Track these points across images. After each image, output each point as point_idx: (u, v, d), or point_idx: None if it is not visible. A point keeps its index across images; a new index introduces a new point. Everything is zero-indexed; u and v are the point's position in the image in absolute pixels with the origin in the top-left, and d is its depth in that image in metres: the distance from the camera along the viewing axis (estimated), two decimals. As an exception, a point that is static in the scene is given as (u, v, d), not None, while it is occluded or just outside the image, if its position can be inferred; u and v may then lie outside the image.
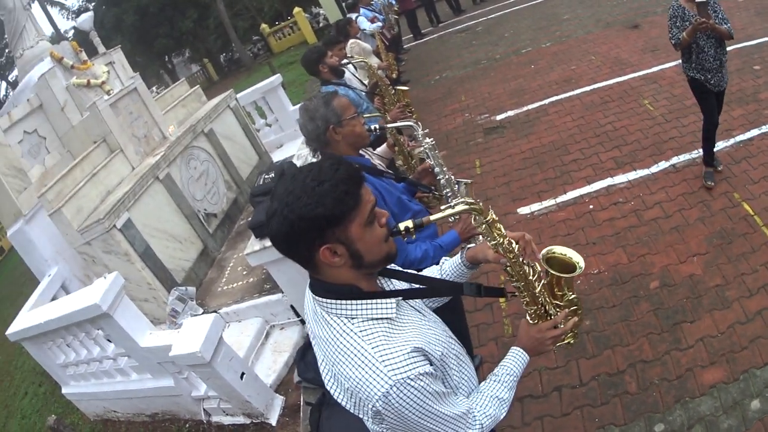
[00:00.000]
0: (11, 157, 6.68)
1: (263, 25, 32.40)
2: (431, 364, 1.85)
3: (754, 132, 6.37)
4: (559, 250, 2.25)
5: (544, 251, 2.25)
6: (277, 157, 9.73)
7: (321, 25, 28.95)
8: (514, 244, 2.13)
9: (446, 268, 2.46)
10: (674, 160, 6.39)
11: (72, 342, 5.69)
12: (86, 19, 9.00)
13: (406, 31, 17.70)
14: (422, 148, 3.59)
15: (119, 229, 5.96)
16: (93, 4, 37.91)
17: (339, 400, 1.85)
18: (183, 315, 6.07)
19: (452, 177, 3.45)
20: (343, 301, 1.82)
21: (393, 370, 1.72)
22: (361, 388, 1.73)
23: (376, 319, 1.83)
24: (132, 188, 6.33)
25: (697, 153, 6.27)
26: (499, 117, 9.30)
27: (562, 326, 2.23)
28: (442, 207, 2.13)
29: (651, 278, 4.89)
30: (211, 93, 9.34)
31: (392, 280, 2.11)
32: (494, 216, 2.10)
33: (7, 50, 35.05)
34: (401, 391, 1.72)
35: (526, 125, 8.61)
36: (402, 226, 1.93)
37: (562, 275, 2.19)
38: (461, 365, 2.12)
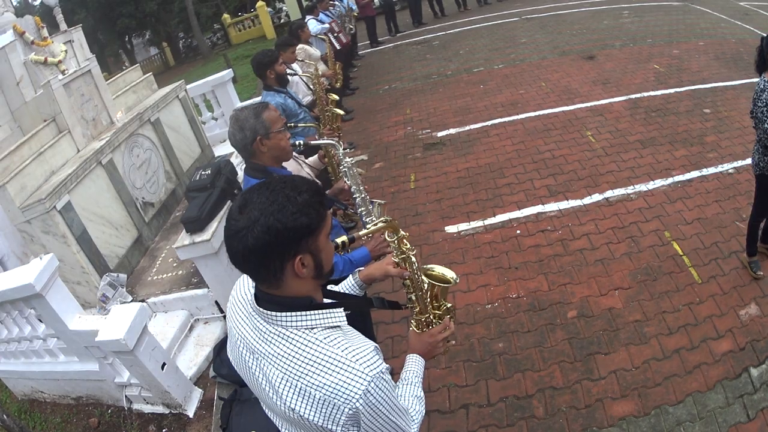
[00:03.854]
0: (-39, 129, 6.58)
1: (225, 15, 32.52)
2: None
3: (694, 174, 6.55)
4: (439, 269, 2.46)
5: (423, 267, 2.46)
6: (220, 151, 9.75)
7: (282, 21, 29.03)
8: (413, 258, 2.34)
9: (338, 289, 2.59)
10: (608, 193, 6.52)
11: (5, 319, 5.67)
12: (53, -6, 8.94)
13: (364, 37, 17.76)
14: (342, 168, 3.69)
15: (59, 210, 5.94)
16: (60, -24, 37.37)
17: (305, 416, 1.78)
18: (113, 301, 6.06)
19: (367, 197, 3.57)
20: (302, 313, 1.83)
21: (368, 366, 1.75)
22: (339, 392, 1.72)
23: (332, 327, 1.87)
24: (75, 171, 6.30)
25: (633, 189, 6.46)
26: (440, 134, 9.40)
27: (449, 329, 2.43)
28: (367, 224, 2.33)
29: (569, 307, 5.00)
30: (165, 77, 9.36)
31: None
32: (404, 232, 2.32)
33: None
34: (377, 386, 1.75)
35: (466, 144, 8.72)
36: (339, 241, 2.10)
37: (441, 284, 2.41)
38: None
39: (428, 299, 2.41)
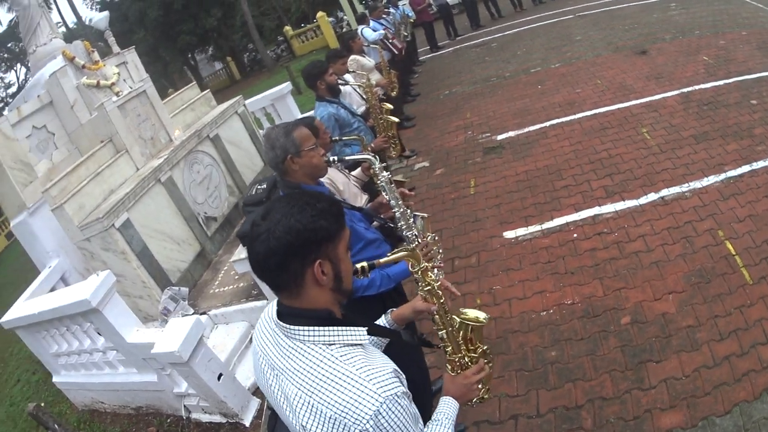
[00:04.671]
0: (18, 151, 6.83)
1: (286, 27, 32.79)
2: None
3: (745, 168, 6.34)
4: (471, 312, 2.42)
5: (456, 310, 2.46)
6: (283, 164, 9.80)
7: (344, 30, 29.00)
8: (440, 292, 2.34)
9: None
10: (664, 192, 6.36)
11: (65, 333, 5.88)
12: (102, 18, 9.29)
13: (424, 43, 17.78)
14: (380, 182, 3.70)
15: (117, 228, 6.12)
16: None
17: None
18: (174, 314, 6.18)
19: (408, 211, 3.56)
20: (320, 328, 1.83)
21: (381, 387, 1.72)
22: (349, 411, 1.69)
23: (352, 345, 1.85)
24: (133, 189, 6.48)
25: (687, 186, 6.30)
26: (500, 137, 9.32)
27: (483, 372, 2.39)
28: (408, 238, 2.35)
29: (623, 313, 4.87)
30: (232, 91, 9.44)
31: None
32: (428, 264, 2.31)
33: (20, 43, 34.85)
34: (390, 409, 1.70)
35: (525, 147, 8.63)
36: (359, 266, 2.06)
37: (475, 323, 2.38)
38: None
39: (460, 339, 2.41)
